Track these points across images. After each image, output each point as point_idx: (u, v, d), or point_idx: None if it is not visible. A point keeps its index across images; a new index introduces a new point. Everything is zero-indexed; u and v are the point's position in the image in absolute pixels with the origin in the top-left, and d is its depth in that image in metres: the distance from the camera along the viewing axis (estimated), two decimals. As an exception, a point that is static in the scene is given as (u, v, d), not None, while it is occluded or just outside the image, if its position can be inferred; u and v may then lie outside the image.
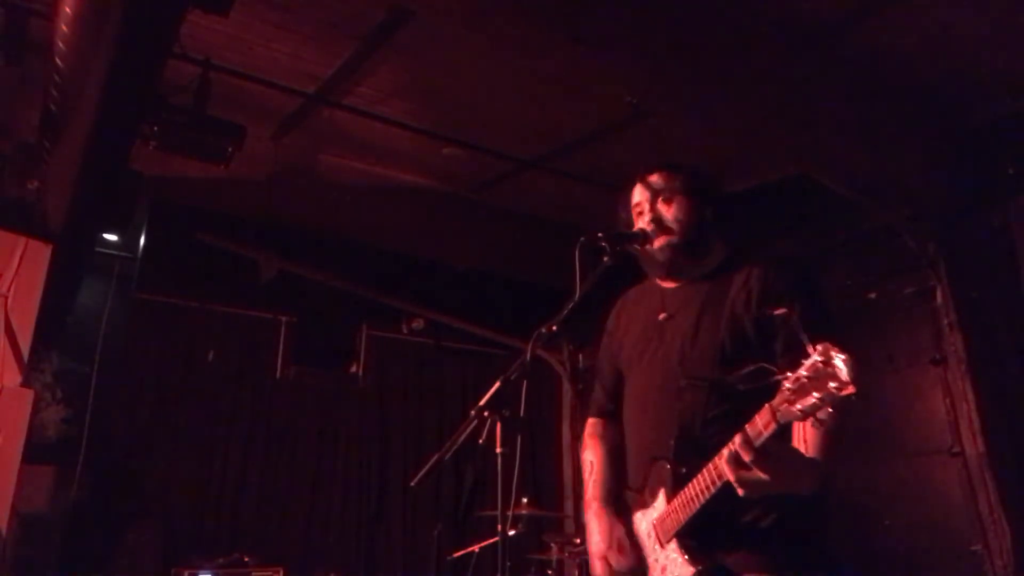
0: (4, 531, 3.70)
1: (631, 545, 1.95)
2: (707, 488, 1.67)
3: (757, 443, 1.52)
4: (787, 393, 1.45)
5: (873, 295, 4.55)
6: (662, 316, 2.01)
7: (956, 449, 4.13)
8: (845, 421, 1.69)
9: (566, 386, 6.92)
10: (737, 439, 1.55)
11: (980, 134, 4.28)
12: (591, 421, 2.30)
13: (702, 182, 2.07)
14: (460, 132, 4.58)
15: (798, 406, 1.42)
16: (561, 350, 6.77)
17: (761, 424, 1.52)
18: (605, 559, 2.00)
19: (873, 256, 4.69)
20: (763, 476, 1.54)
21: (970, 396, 4.09)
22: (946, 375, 4.22)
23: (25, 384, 4.02)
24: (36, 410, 4.16)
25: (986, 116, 4.23)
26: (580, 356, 6.80)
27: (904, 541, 4.26)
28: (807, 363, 1.41)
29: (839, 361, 1.36)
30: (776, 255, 1.99)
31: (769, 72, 3.57)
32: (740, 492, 1.57)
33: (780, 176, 4.60)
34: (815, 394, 1.39)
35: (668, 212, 2.01)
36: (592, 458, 2.21)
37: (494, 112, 4.34)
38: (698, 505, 1.70)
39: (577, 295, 1.92)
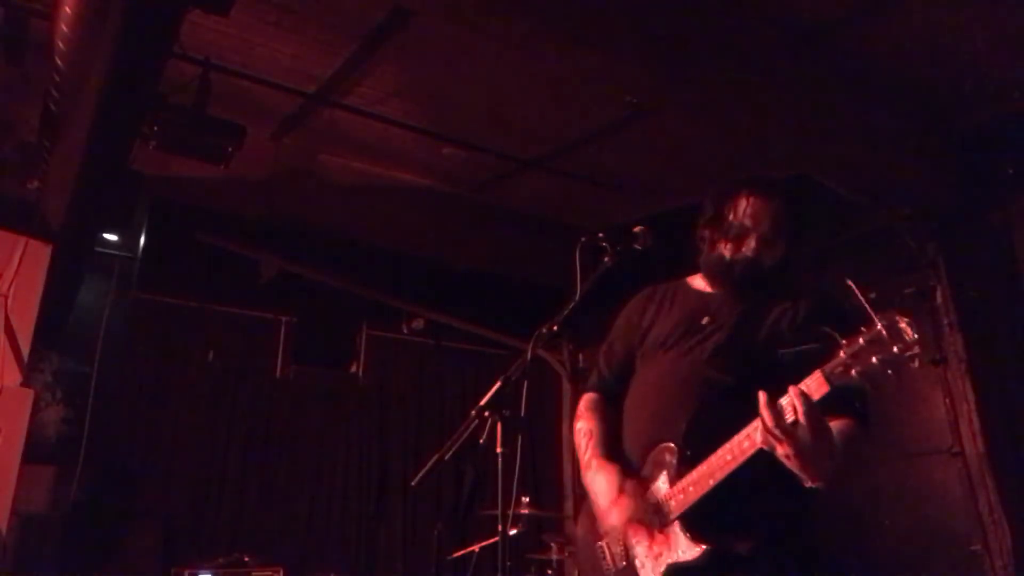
0: (4, 531, 3.70)
1: (642, 491, 1.88)
2: (729, 463, 1.65)
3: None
4: (844, 357, 1.45)
5: (873, 295, 4.53)
6: (706, 320, 1.98)
7: (956, 449, 4.12)
8: (862, 443, 1.72)
9: (566, 386, 6.91)
10: (790, 391, 1.53)
11: (980, 134, 4.27)
12: (587, 395, 2.22)
13: (802, 238, 2.04)
14: (460, 132, 4.58)
15: (856, 369, 1.43)
16: (561, 350, 6.77)
17: (811, 389, 1.51)
18: (617, 506, 1.91)
19: (873, 256, 4.68)
20: (802, 434, 1.52)
21: (970, 396, 4.09)
22: (946, 375, 4.21)
23: (25, 384, 4.03)
24: (36, 410, 4.17)
25: (986, 116, 4.23)
26: (580, 356, 6.79)
27: (904, 541, 4.25)
28: (867, 328, 1.42)
29: (905, 324, 1.38)
30: (831, 291, 1.98)
31: (769, 72, 3.57)
32: (779, 448, 1.54)
33: (780, 176, 4.59)
34: (876, 357, 1.40)
35: (776, 248, 1.96)
36: (589, 426, 2.13)
37: (494, 112, 4.34)
38: (714, 482, 1.67)
39: (578, 295, 1.92)
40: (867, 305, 1.48)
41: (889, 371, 1.40)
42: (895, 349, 1.38)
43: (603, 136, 4.48)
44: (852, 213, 4.50)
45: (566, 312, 1.91)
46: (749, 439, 1.62)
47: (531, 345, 1.86)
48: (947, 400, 4.19)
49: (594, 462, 2.04)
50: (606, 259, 1.95)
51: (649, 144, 4.47)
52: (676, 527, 1.75)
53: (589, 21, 3.07)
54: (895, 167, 4.16)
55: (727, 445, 1.67)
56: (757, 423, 1.59)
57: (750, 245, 1.95)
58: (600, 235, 1.96)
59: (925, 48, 3.69)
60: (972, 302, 4.20)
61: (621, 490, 1.91)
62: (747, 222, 1.96)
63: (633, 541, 1.85)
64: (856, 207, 4.36)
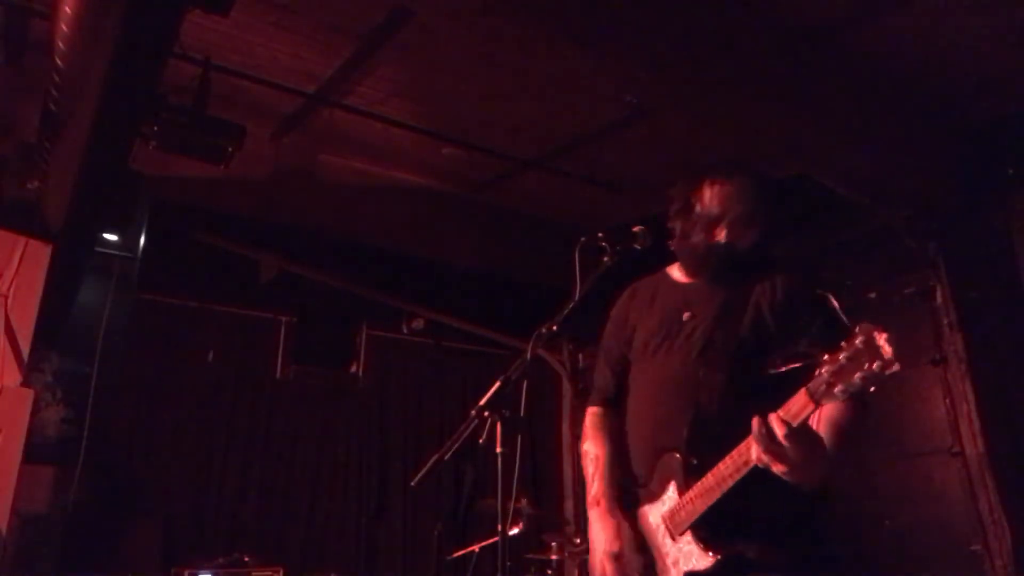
0: (4, 531, 3.70)
1: (642, 543, 1.93)
2: (730, 476, 1.67)
3: (793, 424, 1.54)
4: (825, 375, 1.46)
5: (873, 295, 4.55)
6: (687, 315, 1.99)
7: (956, 449, 4.12)
8: (860, 426, 1.74)
9: (566, 386, 6.92)
10: (772, 416, 1.56)
11: (980, 134, 4.27)
12: (592, 410, 2.26)
13: (776, 214, 2.04)
14: (460, 132, 4.58)
15: (839, 387, 1.44)
16: (561, 350, 6.77)
17: (797, 407, 1.54)
18: (617, 559, 1.96)
19: (873, 256, 4.68)
20: (792, 454, 1.56)
21: (970, 396, 4.09)
22: (946, 375, 4.22)
23: (25, 384, 4.03)
24: (36, 410, 4.16)
25: (986, 116, 4.23)
26: (580, 356, 6.79)
27: (904, 541, 4.25)
28: (847, 344, 1.42)
29: (883, 340, 1.37)
30: (798, 269, 1.99)
31: (769, 72, 3.57)
32: (773, 467, 1.58)
33: (780, 176, 4.60)
34: (858, 374, 1.40)
35: (749, 230, 1.97)
36: (596, 451, 2.15)
37: (494, 112, 4.34)
38: (719, 494, 1.70)
39: (577, 295, 1.92)
40: (843, 319, 1.50)
41: (872, 388, 1.41)
42: (874, 367, 1.39)
43: (603, 136, 4.48)
44: (852, 213, 4.50)
45: (566, 312, 1.91)
46: (746, 456, 1.64)
47: (531, 345, 1.86)
48: (947, 400, 4.19)
49: (602, 502, 2.06)
50: (606, 259, 1.95)
51: (649, 144, 4.47)
52: (689, 536, 1.78)
53: (589, 21, 3.07)
54: (895, 167, 4.16)
55: (727, 459, 1.69)
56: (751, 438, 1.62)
57: (722, 232, 1.96)
58: (600, 235, 1.96)
59: (925, 48, 3.69)
60: (972, 302, 4.20)
61: (623, 544, 1.96)
62: (715, 210, 1.97)
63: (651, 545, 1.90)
64: (856, 207, 4.36)
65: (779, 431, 1.55)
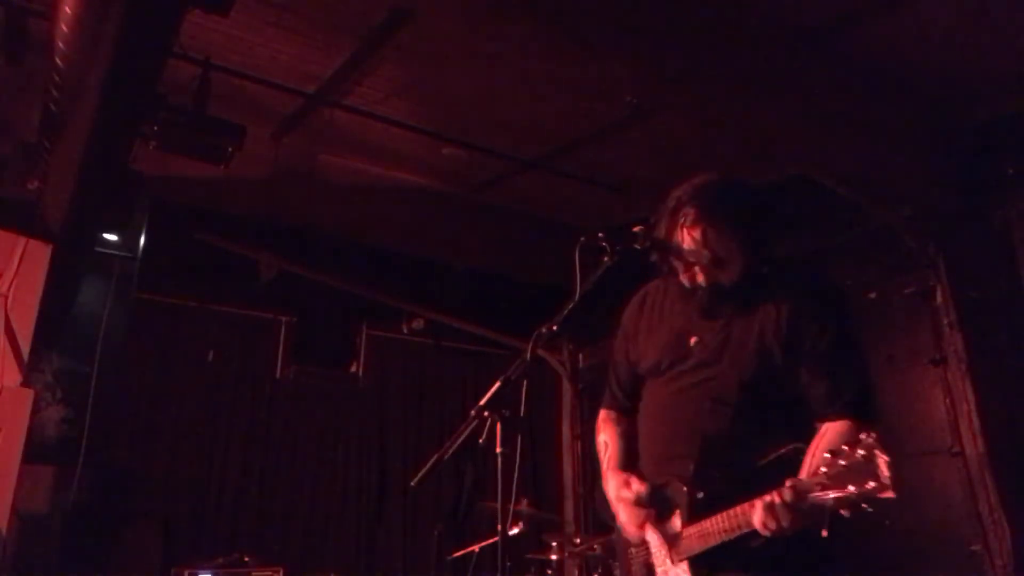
0: (4, 531, 3.70)
1: (651, 495, 1.97)
2: (729, 531, 1.72)
3: (803, 505, 1.58)
4: (822, 477, 1.47)
5: (873, 295, 4.54)
6: (693, 340, 2.00)
7: (956, 449, 4.12)
8: None
9: (566, 386, 6.91)
10: (779, 503, 1.60)
11: (980, 134, 4.27)
12: (602, 413, 2.32)
13: (759, 235, 1.98)
14: (460, 132, 4.58)
15: (832, 494, 1.45)
16: (561, 350, 6.77)
17: (789, 499, 1.57)
18: (628, 503, 2.02)
19: (873, 256, 4.68)
20: (788, 528, 1.60)
21: (970, 396, 4.08)
22: (946, 375, 4.21)
23: (25, 384, 4.03)
24: (36, 410, 4.16)
25: (986, 116, 4.23)
26: (580, 356, 6.79)
27: (904, 541, 4.25)
28: (849, 449, 1.43)
29: (883, 462, 1.40)
30: (808, 281, 1.98)
31: (769, 72, 3.57)
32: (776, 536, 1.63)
33: (780, 176, 4.60)
34: (852, 488, 1.42)
35: (728, 266, 1.94)
36: (606, 439, 2.24)
37: (494, 112, 4.34)
38: (715, 542, 1.75)
39: (577, 295, 1.92)
40: (855, 331, 1.63)
41: (864, 505, 1.42)
42: (868, 487, 1.41)
43: (603, 136, 4.48)
44: (852, 213, 4.49)
45: (566, 312, 1.90)
46: (747, 518, 1.67)
47: (531, 345, 1.85)
48: (947, 400, 4.19)
49: (608, 472, 2.16)
50: (606, 259, 1.95)
51: (649, 144, 4.47)
52: (685, 565, 1.83)
53: (589, 21, 3.07)
54: (895, 167, 4.16)
55: (729, 514, 1.72)
56: (756, 503, 1.65)
57: (702, 275, 1.97)
58: (600, 235, 1.95)
59: (925, 48, 3.69)
60: (972, 302, 4.20)
61: (622, 485, 2.03)
62: (690, 257, 1.96)
63: (654, 561, 1.94)
64: (856, 207, 4.35)
65: (785, 520, 1.59)
